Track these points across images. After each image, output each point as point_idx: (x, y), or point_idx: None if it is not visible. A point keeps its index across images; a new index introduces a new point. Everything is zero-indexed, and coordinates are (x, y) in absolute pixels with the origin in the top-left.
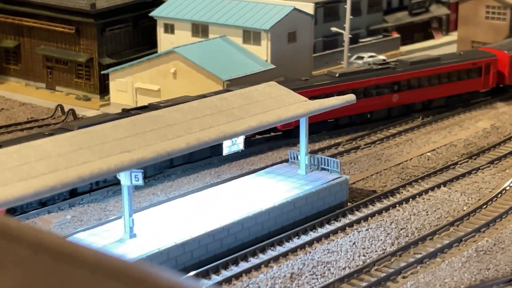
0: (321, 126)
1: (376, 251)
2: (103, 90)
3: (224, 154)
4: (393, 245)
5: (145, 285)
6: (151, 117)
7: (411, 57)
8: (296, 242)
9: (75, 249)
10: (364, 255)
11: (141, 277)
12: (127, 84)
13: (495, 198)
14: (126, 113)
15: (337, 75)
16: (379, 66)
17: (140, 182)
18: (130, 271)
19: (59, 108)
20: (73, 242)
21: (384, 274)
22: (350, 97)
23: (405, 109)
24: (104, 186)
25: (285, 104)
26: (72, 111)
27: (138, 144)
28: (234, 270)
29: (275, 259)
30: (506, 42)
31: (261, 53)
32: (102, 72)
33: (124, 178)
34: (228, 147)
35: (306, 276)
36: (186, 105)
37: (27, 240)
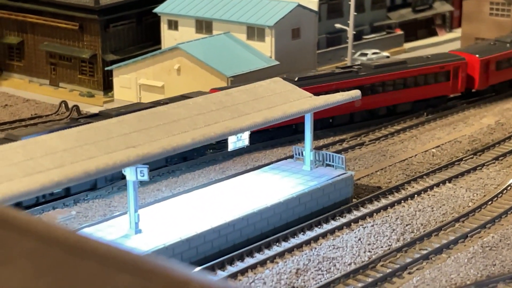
0: (281, 133)
1: (382, 247)
2: (107, 86)
3: (229, 150)
4: (398, 241)
5: (155, 278)
6: (156, 113)
7: (376, 61)
8: (302, 237)
9: (84, 241)
10: (369, 251)
11: (151, 269)
12: (131, 81)
13: (500, 194)
14: (75, 121)
15: (296, 78)
16: (341, 70)
17: (146, 177)
18: (140, 263)
19: (63, 104)
20: (81, 235)
21: (390, 270)
22: (356, 93)
23: (368, 114)
24: (51, 199)
25: (290, 100)
26: (76, 107)
27: (143, 140)
28: (239, 265)
29: (281, 254)
30: (478, 45)
31: (265, 50)
32: (106, 69)
33: (130, 174)
34: (233, 143)
35: (312, 272)
36: (191, 100)
37: (36, 232)
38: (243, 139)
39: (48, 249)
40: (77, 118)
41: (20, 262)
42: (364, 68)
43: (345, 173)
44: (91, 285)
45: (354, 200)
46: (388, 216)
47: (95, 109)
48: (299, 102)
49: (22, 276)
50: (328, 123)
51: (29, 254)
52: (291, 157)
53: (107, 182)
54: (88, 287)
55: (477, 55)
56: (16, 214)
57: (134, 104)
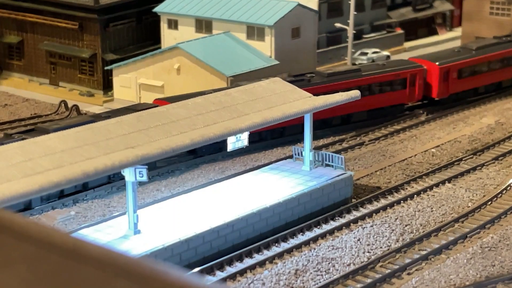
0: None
1: (381, 247)
2: (107, 86)
3: (228, 150)
4: (397, 241)
5: (152, 283)
6: (155, 113)
7: (330, 68)
8: (301, 238)
9: (82, 246)
10: (368, 252)
11: (148, 274)
12: (130, 80)
13: (500, 195)
14: (9, 137)
15: None
16: (293, 78)
17: (145, 178)
18: (138, 268)
19: (63, 104)
20: (79, 239)
21: (389, 270)
22: (355, 93)
23: (322, 124)
24: None
25: (289, 100)
26: (76, 107)
27: (142, 140)
28: (238, 266)
29: (280, 255)
30: (441, 52)
31: (265, 49)
32: (106, 68)
33: (129, 174)
34: (233, 143)
35: (311, 273)
36: (190, 101)
37: (33, 237)
38: (242, 140)
39: (45, 254)
40: (11, 134)
41: (17, 267)
42: (317, 76)
43: (345, 173)
44: None
45: (353, 200)
46: (388, 216)
47: (95, 109)
48: (298, 102)
49: (20, 281)
50: (279, 134)
51: (26, 259)
52: (291, 157)
53: (43, 202)
54: None
55: (436, 63)
56: (13, 218)
57: (74, 117)
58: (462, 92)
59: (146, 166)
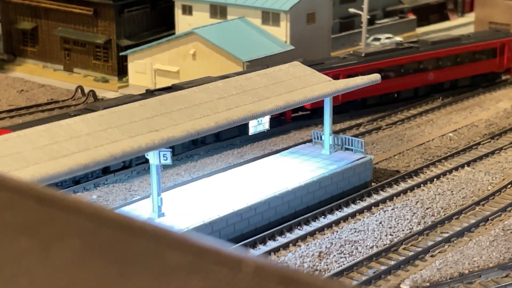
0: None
1: (403, 230)
2: (121, 71)
3: (250, 134)
4: (419, 224)
5: (207, 255)
6: (177, 97)
7: None
8: (323, 221)
9: (133, 220)
10: (391, 234)
11: (202, 247)
12: (146, 66)
13: None
14: (150, 94)
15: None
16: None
17: (169, 161)
18: (191, 241)
19: (79, 90)
20: (130, 216)
21: (412, 252)
22: (375, 77)
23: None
24: None
25: (309, 84)
26: (93, 92)
27: (166, 123)
28: (262, 249)
29: (303, 238)
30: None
31: (280, 34)
32: (121, 54)
33: (153, 157)
34: (254, 127)
35: (334, 255)
36: (212, 84)
37: (84, 211)
38: (264, 123)
39: (97, 228)
40: (152, 91)
41: (72, 240)
42: None
43: (365, 157)
44: (144, 261)
45: (373, 184)
46: (408, 199)
47: (110, 94)
48: (319, 86)
49: (75, 254)
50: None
51: (80, 233)
52: (309, 141)
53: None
54: (141, 263)
55: None
56: (63, 194)
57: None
58: None
59: (170, 149)
